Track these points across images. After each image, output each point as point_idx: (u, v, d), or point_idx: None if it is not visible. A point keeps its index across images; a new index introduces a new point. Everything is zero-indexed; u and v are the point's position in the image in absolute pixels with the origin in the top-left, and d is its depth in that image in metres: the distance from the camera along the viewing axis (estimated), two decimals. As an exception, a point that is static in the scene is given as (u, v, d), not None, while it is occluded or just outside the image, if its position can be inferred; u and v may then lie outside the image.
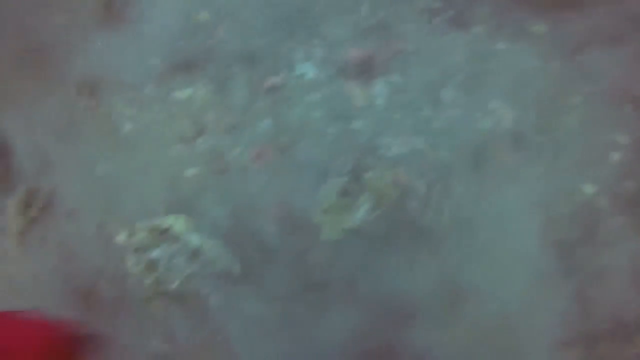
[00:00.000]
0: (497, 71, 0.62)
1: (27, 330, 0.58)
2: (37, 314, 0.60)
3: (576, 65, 0.61)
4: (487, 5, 0.63)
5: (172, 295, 0.70)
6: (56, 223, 0.73)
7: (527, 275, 0.59)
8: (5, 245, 0.74)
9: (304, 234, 0.67)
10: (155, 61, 0.73)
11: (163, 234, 0.69)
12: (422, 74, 0.64)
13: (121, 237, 0.70)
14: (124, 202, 0.70)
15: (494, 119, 0.62)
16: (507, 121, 0.62)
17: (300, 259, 0.68)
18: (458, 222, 0.62)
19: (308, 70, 0.67)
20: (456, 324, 0.61)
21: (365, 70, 0.64)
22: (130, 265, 0.70)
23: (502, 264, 0.60)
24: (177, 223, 0.69)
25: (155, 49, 0.72)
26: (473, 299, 0.61)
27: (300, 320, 0.65)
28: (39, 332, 0.58)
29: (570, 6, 0.62)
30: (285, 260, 0.68)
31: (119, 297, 0.72)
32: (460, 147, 0.63)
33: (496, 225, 0.61)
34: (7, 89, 0.78)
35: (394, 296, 0.64)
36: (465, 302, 0.61)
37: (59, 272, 0.73)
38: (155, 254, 0.69)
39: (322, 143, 0.67)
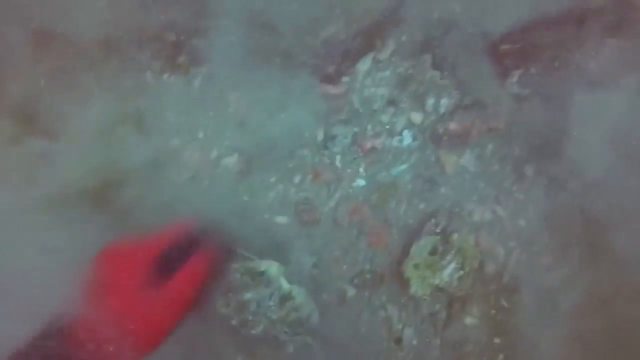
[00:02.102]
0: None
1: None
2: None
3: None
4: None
5: (253, 339, 0.73)
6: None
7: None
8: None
9: (389, 288, 0.73)
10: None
11: (258, 278, 0.71)
12: (509, 150, 0.72)
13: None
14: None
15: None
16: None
17: (380, 311, 0.73)
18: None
19: (406, 137, 0.72)
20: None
21: (459, 142, 0.71)
22: (219, 306, 0.72)
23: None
24: (271, 268, 0.72)
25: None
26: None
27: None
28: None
29: None
30: (362, 313, 0.74)
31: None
32: (536, 218, 0.72)
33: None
34: None
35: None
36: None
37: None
38: (247, 296, 0.72)
39: (412, 204, 0.73)
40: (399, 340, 0.72)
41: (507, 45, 0.71)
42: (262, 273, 0.72)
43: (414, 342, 0.72)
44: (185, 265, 0.51)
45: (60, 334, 0.47)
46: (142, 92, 0.79)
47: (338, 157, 0.73)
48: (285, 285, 0.72)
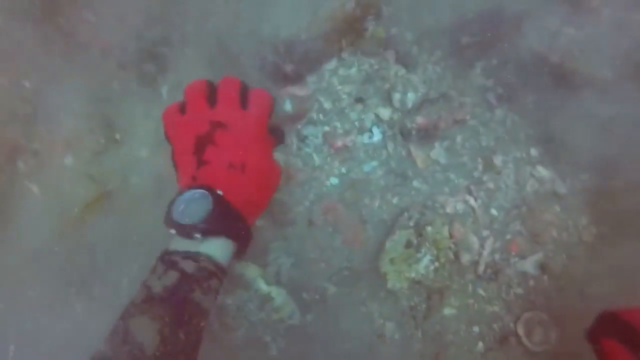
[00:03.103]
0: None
1: None
2: None
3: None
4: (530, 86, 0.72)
5: (235, 343, 0.74)
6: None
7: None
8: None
9: (368, 284, 0.73)
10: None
11: (236, 281, 0.72)
12: (477, 141, 0.73)
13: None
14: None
15: (538, 182, 0.72)
16: (548, 184, 0.73)
17: (361, 307, 0.74)
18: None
19: (376, 133, 0.73)
20: None
21: (427, 136, 0.72)
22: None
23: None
24: (248, 270, 0.72)
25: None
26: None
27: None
28: None
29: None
30: (344, 310, 0.74)
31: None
32: (509, 207, 0.73)
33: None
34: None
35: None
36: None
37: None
38: (228, 300, 0.72)
39: (385, 199, 0.74)
40: (381, 335, 0.73)
41: (468, 37, 0.72)
42: (240, 276, 0.73)
43: (396, 336, 0.73)
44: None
45: None
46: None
47: (310, 157, 0.74)
48: (264, 286, 0.72)
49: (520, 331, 0.68)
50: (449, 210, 0.72)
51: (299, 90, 0.71)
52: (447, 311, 0.72)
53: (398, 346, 0.73)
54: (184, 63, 0.77)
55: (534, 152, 0.72)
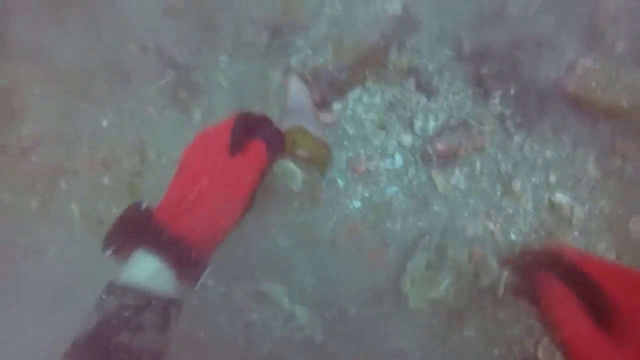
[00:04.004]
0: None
1: None
2: None
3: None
4: (548, 115, 0.75)
5: (260, 358, 0.76)
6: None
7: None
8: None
9: (389, 304, 0.76)
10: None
11: (262, 299, 0.75)
12: (496, 167, 0.75)
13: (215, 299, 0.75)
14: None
15: (558, 208, 0.74)
16: (566, 209, 0.74)
17: (381, 327, 0.76)
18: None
19: (398, 159, 0.76)
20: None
21: (447, 162, 0.75)
22: (226, 328, 0.75)
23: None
24: (274, 289, 0.75)
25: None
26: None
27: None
28: None
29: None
30: (364, 330, 0.76)
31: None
32: (527, 231, 0.75)
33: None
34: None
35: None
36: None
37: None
38: (253, 317, 0.75)
39: (407, 222, 0.76)
40: (401, 355, 0.75)
41: (487, 68, 0.75)
42: (266, 294, 0.75)
43: (416, 356, 0.74)
44: (254, 139, 0.56)
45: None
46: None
47: (334, 181, 0.77)
48: (288, 305, 0.75)
49: (540, 355, 0.69)
50: (468, 233, 0.74)
51: (325, 117, 0.75)
52: (467, 333, 0.73)
53: (417, 367, 0.74)
54: (216, 90, 0.82)
55: (552, 178, 0.74)
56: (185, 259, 0.49)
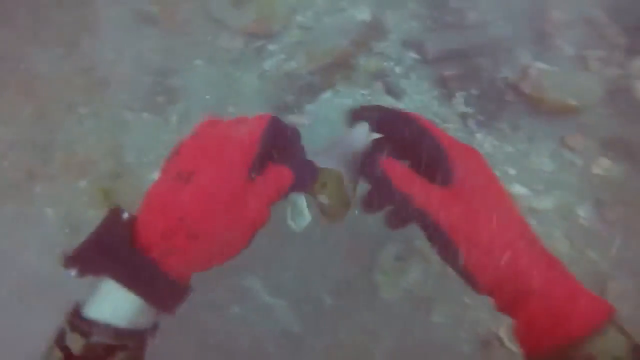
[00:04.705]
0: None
1: None
2: None
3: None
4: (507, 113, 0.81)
5: (240, 351, 0.79)
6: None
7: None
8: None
9: (363, 294, 0.80)
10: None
11: (242, 293, 0.78)
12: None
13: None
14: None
15: (517, 199, 0.80)
16: (524, 200, 0.80)
17: (356, 317, 0.80)
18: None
19: (368, 156, 0.80)
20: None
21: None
22: (206, 321, 0.78)
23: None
24: (253, 283, 0.78)
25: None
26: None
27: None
28: None
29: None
30: (340, 319, 0.80)
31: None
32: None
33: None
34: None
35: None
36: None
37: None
38: (233, 311, 0.78)
39: (377, 216, 0.81)
40: (375, 342, 0.79)
41: (450, 70, 0.81)
42: (245, 289, 0.79)
43: (389, 343, 0.79)
44: (275, 163, 0.46)
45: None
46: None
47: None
48: (267, 298, 0.78)
49: (502, 334, 0.75)
50: (436, 225, 0.79)
51: (298, 119, 0.79)
52: (435, 318, 0.78)
53: (390, 351, 0.79)
54: (193, 95, 0.85)
55: (511, 171, 0.80)
56: (170, 295, 0.42)
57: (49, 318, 0.39)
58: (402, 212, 0.47)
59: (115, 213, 0.42)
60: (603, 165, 0.78)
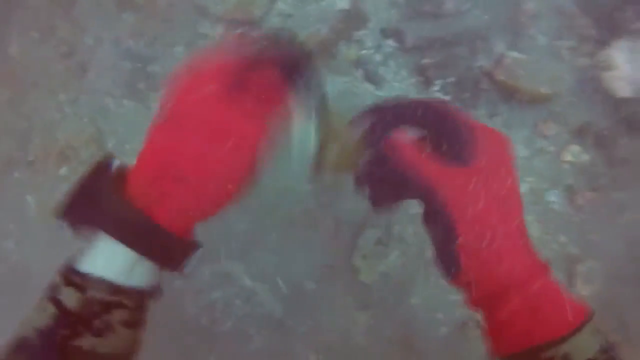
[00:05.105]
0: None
1: None
2: None
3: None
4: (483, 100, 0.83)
5: (223, 334, 0.81)
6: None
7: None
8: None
9: (344, 278, 0.82)
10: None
11: (224, 278, 0.79)
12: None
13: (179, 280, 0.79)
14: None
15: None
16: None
17: (337, 301, 0.82)
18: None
19: (348, 143, 0.82)
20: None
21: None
22: (190, 306, 0.79)
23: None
24: (235, 268, 0.79)
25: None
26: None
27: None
28: None
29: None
30: (321, 303, 0.82)
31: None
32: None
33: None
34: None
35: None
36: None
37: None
38: (215, 296, 0.79)
39: (357, 201, 0.83)
40: (355, 325, 0.81)
41: (428, 59, 0.82)
42: (227, 274, 0.80)
43: (370, 323, 0.81)
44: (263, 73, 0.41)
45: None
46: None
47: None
48: (249, 283, 0.80)
49: (478, 316, 0.78)
50: (412, 211, 0.82)
51: (280, 105, 0.80)
52: (414, 300, 0.81)
53: (370, 334, 0.81)
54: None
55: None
56: (167, 247, 0.39)
57: (30, 309, 0.37)
58: (397, 188, 0.44)
59: (103, 163, 0.39)
60: (573, 152, 0.80)
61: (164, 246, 0.38)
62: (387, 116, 0.43)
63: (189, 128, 0.38)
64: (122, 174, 0.39)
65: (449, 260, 0.42)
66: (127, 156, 0.84)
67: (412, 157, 0.42)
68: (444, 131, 0.42)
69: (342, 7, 0.80)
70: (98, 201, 0.37)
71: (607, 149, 0.81)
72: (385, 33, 0.83)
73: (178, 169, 0.37)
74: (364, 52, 0.83)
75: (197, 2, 0.84)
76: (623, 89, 0.79)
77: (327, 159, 0.48)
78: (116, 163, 0.40)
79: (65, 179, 0.86)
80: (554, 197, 0.81)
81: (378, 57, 0.84)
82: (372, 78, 0.82)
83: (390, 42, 0.84)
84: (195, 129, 0.38)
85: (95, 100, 0.86)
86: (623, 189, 0.80)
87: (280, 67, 0.41)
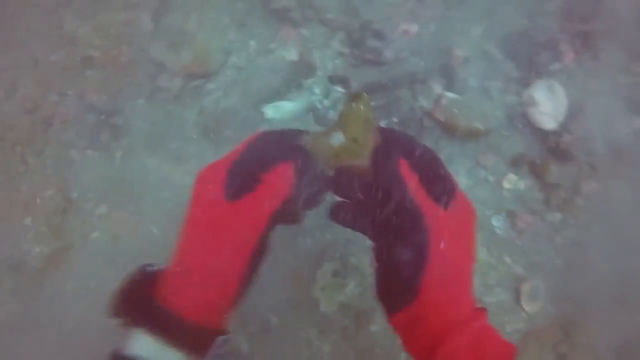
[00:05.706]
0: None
1: None
2: None
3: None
4: (426, 138, 0.91)
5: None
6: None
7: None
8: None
9: (305, 311, 0.86)
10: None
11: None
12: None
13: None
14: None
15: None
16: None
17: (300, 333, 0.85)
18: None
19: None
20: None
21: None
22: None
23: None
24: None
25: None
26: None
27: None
28: None
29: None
30: (285, 336, 0.85)
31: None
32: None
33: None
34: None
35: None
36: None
37: None
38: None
39: (314, 237, 0.88)
40: (319, 356, 0.84)
41: (373, 102, 0.90)
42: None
43: (332, 355, 0.84)
44: (266, 178, 0.45)
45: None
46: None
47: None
48: (214, 321, 0.82)
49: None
50: (368, 243, 0.87)
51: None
52: (374, 328, 0.85)
53: (334, 363, 0.84)
54: (136, 132, 0.90)
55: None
56: (189, 336, 0.43)
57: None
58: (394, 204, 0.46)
59: (140, 270, 0.46)
60: (511, 180, 0.88)
61: (187, 334, 0.43)
62: (400, 140, 0.48)
63: (191, 226, 0.45)
64: (155, 275, 0.45)
65: (403, 290, 0.44)
66: (90, 204, 0.88)
67: (412, 181, 0.45)
68: (436, 173, 0.47)
69: (292, 58, 0.88)
70: (134, 302, 0.44)
71: (539, 176, 0.89)
72: (332, 80, 0.91)
73: (185, 263, 0.44)
74: (313, 97, 0.90)
75: (155, 58, 0.90)
76: (548, 122, 0.88)
77: (333, 146, 0.50)
78: (151, 268, 0.46)
79: (30, 228, 0.89)
80: (496, 222, 0.87)
81: (327, 102, 0.91)
82: (321, 121, 0.89)
83: (337, 88, 0.91)
84: (194, 227, 0.45)
85: (59, 152, 0.90)
86: (556, 211, 0.88)
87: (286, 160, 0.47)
